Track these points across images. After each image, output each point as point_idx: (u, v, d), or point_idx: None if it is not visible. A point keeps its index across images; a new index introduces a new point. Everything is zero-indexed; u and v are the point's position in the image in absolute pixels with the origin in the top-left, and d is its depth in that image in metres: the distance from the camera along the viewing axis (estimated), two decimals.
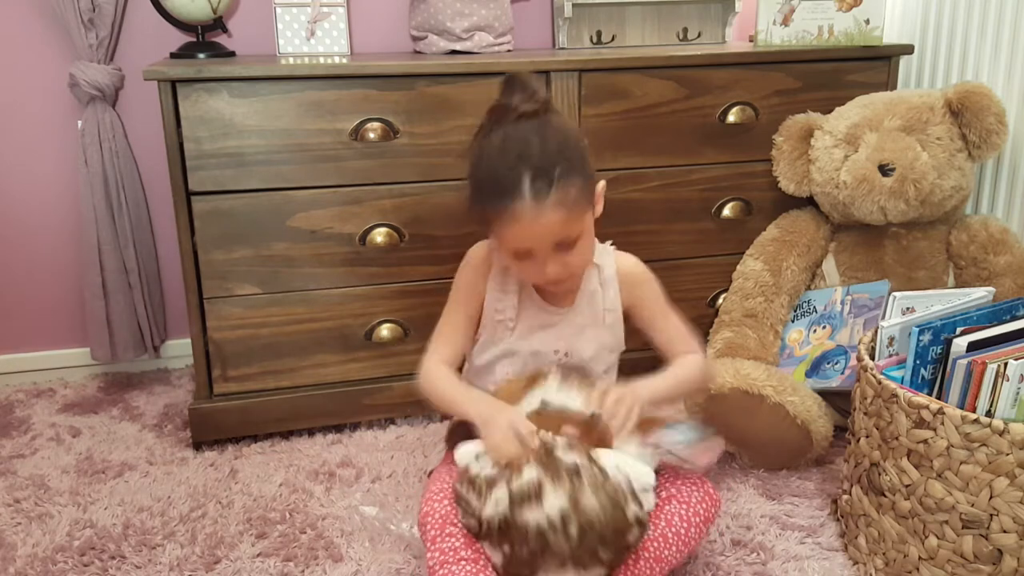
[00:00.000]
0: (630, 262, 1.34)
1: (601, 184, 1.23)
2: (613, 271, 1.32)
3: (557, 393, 1.20)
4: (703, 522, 1.21)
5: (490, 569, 1.11)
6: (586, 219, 1.19)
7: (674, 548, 1.18)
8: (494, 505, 1.07)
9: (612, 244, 1.35)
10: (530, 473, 1.07)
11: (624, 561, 1.13)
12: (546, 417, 1.16)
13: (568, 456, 1.08)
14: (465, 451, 1.15)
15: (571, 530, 1.04)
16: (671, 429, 1.19)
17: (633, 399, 1.16)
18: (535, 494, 1.05)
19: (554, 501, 1.04)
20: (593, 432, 1.14)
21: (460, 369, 1.35)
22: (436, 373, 1.28)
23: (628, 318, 1.35)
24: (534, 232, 1.14)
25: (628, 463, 1.11)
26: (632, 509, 1.07)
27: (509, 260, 1.21)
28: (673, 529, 1.18)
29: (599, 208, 1.24)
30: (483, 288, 1.30)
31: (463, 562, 1.11)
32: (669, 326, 1.33)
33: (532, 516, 1.05)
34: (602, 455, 1.10)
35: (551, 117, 1.18)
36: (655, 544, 1.17)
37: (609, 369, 1.36)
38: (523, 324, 1.30)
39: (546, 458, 1.08)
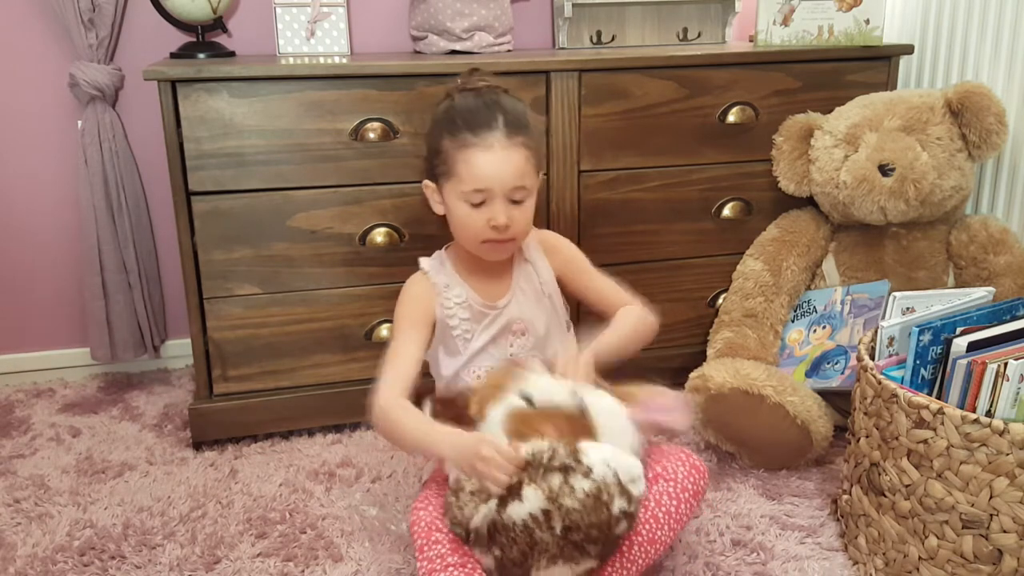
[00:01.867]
0: (548, 233, 1.44)
1: (541, 176, 1.34)
2: (536, 243, 1.40)
3: (539, 382, 1.19)
4: (692, 496, 1.22)
5: (478, 573, 1.12)
6: (534, 183, 1.29)
7: (666, 528, 1.19)
8: (482, 516, 1.07)
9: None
10: (515, 477, 1.07)
11: (616, 550, 1.14)
12: (530, 416, 1.15)
13: (553, 460, 1.06)
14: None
15: (555, 525, 1.04)
16: (649, 396, 1.21)
17: (582, 359, 1.24)
18: (517, 493, 1.05)
19: (534, 499, 1.04)
20: (579, 424, 1.14)
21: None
22: (396, 409, 1.22)
23: (562, 286, 1.42)
24: (500, 164, 1.22)
25: (616, 456, 1.10)
26: (618, 504, 1.06)
27: (461, 208, 1.27)
28: (663, 509, 1.19)
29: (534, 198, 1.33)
30: (432, 311, 1.33)
31: (451, 568, 1.11)
32: (601, 284, 1.41)
33: (517, 513, 1.05)
34: (590, 450, 1.08)
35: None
36: (647, 527, 1.18)
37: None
38: (477, 330, 1.34)
39: (533, 466, 1.07)
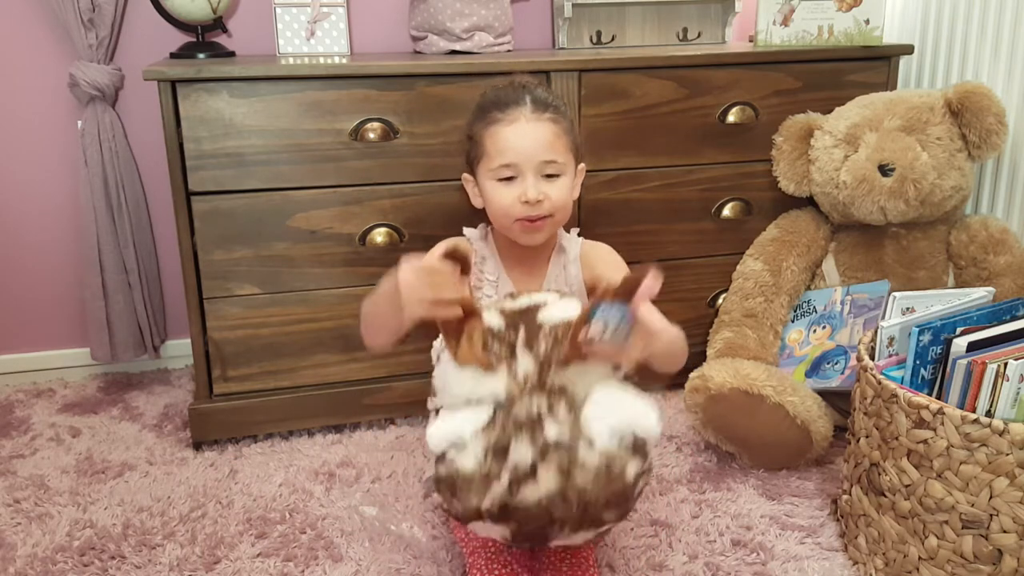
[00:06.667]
0: (595, 246, 1.40)
1: (582, 166, 1.34)
2: (577, 253, 1.38)
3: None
4: None
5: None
6: (569, 163, 1.29)
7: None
8: (491, 497, 1.00)
9: (580, 234, 1.41)
10: (521, 453, 0.99)
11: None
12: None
13: (554, 430, 1.00)
14: (439, 435, 1.04)
15: (572, 502, 0.99)
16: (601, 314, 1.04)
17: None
18: (530, 475, 0.99)
19: (548, 481, 0.98)
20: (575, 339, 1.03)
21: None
22: (366, 302, 1.20)
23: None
24: (526, 137, 1.22)
25: (621, 409, 1.02)
26: (632, 469, 1.00)
27: (493, 188, 1.26)
28: None
29: (577, 190, 1.34)
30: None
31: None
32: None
33: (532, 493, 0.99)
34: (591, 415, 1.01)
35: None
36: None
37: None
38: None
39: (533, 427, 1.00)
